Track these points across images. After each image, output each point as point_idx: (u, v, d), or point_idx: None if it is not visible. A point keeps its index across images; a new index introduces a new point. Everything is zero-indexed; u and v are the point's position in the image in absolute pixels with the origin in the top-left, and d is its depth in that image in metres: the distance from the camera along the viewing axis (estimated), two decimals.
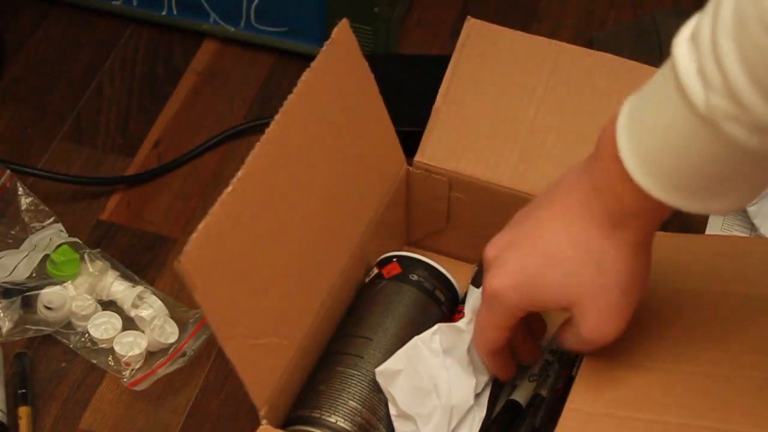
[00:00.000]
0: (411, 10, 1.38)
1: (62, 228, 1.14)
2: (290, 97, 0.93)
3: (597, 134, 0.81)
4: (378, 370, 0.93)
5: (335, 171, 0.99)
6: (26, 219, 1.14)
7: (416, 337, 0.95)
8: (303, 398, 0.94)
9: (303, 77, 0.95)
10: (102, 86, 1.30)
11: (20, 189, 1.15)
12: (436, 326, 0.95)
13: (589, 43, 1.34)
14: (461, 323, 0.95)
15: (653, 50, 1.30)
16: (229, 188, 0.88)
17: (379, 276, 1.01)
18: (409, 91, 1.16)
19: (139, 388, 1.04)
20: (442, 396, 0.94)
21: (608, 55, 1.07)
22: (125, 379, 1.05)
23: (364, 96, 1.02)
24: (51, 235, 1.13)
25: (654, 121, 0.75)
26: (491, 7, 1.39)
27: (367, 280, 1.02)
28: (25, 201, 1.15)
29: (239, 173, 0.88)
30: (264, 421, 0.89)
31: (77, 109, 1.28)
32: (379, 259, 1.03)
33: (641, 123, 0.76)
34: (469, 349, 0.95)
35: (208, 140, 1.24)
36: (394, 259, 1.02)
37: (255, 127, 1.26)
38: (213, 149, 1.24)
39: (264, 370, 0.90)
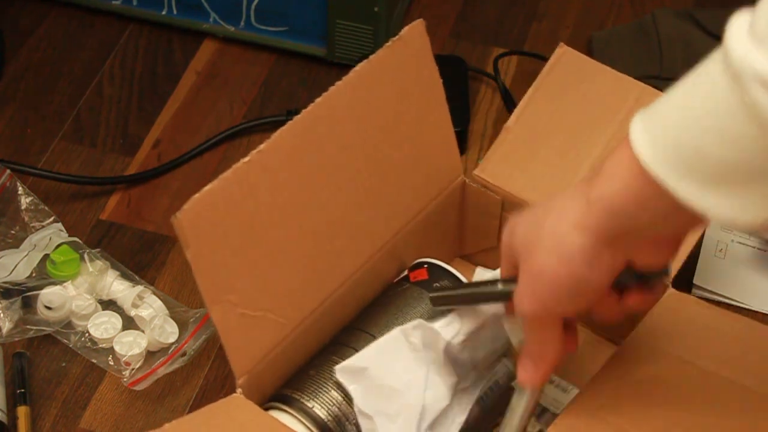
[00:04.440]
0: (411, 10, 1.38)
1: (62, 228, 1.14)
2: (337, 83, 0.92)
3: None
4: (338, 367, 0.92)
5: (376, 165, 0.97)
6: (26, 219, 1.14)
7: (398, 328, 0.93)
8: (292, 379, 0.94)
9: (357, 67, 0.93)
10: (102, 86, 1.30)
11: (20, 189, 1.15)
12: (417, 321, 0.93)
13: (589, 43, 1.34)
14: (437, 325, 0.92)
15: (653, 50, 1.30)
16: (247, 158, 0.86)
17: (405, 279, 1.01)
18: None
19: (139, 387, 1.04)
20: (414, 394, 0.92)
21: None
22: (125, 379, 1.05)
23: (427, 98, 1.01)
24: (51, 235, 1.13)
25: (678, 99, 0.72)
26: (491, 7, 1.39)
27: (395, 280, 1.02)
28: (25, 200, 1.15)
29: (261, 146, 0.87)
30: (239, 390, 0.88)
31: (77, 109, 1.28)
32: (413, 263, 1.03)
33: (664, 104, 0.73)
34: (445, 350, 0.91)
35: (208, 140, 1.24)
36: (425, 266, 1.02)
37: (255, 127, 1.26)
38: (213, 149, 1.24)
39: (250, 342, 0.89)
